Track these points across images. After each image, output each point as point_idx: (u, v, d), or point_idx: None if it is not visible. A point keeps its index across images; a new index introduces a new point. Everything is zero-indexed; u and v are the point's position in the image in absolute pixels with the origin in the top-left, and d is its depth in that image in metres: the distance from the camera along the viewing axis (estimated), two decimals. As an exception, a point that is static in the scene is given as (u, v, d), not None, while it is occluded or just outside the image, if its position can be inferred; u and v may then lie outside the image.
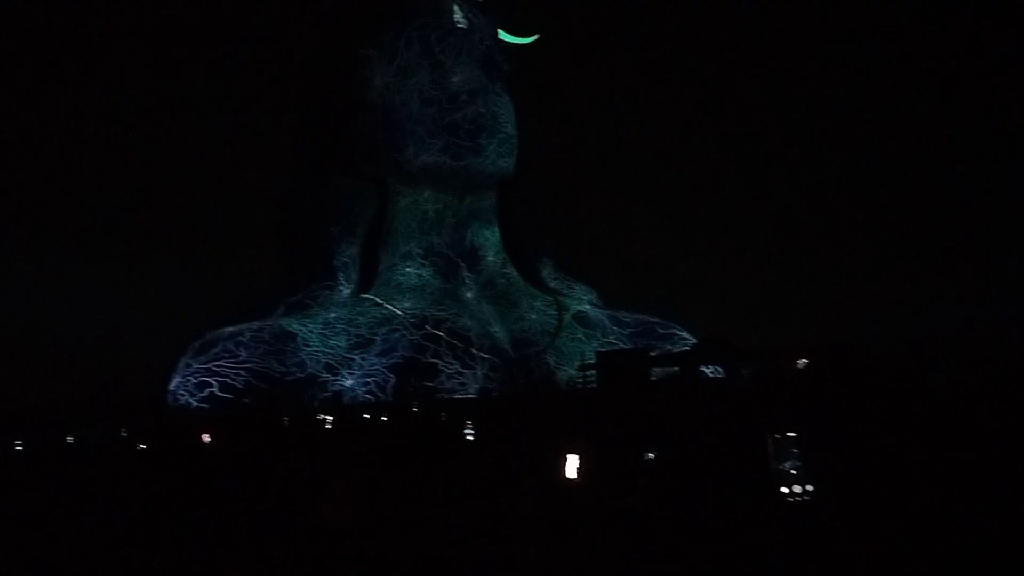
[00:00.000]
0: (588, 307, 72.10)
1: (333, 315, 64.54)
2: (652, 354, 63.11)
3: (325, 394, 60.20)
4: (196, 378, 59.40)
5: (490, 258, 71.36)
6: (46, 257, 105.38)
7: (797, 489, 19.44)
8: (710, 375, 63.70)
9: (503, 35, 71.26)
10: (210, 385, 58.96)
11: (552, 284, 72.81)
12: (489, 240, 71.53)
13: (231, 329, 61.80)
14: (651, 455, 24.23)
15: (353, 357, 62.56)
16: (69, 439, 50.22)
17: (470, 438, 40.04)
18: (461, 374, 62.17)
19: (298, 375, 60.59)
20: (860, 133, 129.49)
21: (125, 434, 48.98)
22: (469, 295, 69.36)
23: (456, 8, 67.79)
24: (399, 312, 65.23)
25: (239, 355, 59.98)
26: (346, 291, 66.58)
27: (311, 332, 62.84)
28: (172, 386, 59.66)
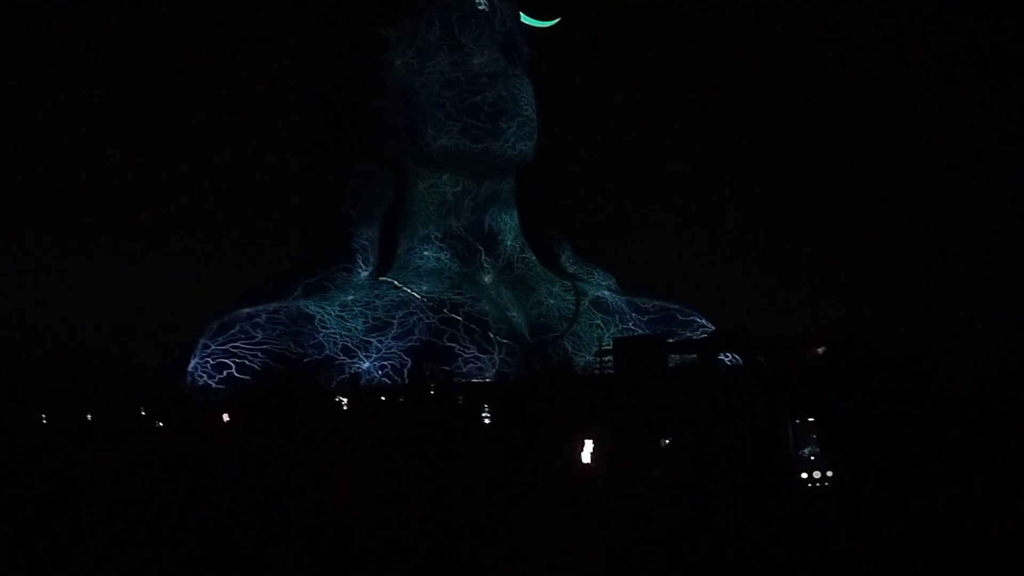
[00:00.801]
0: (607, 293, 71.93)
1: (351, 297, 64.63)
2: (670, 341, 62.93)
3: (342, 376, 60.36)
4: (214, 359, 59.64)
5: (508, 242, 71.24)
6: (70, 238, 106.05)
7: (816, 475, 19.41)
8: (728, 363, 63.54)
9: (525, 18, 71.02)
10: (228, 366, 59.20)
11: (570, 269, 72.66)
12: (508, 224, 71.39)
13: (248, 310, 61.99)
14: (667, 441, 24.19)
15: (370, 340, 62.67)
16: (88, 417, 50.68)
17: (487, 421, 40.13)
18: (478, 358, 62.27)
19: (315, 357, 60.74)
20: (877, 128, 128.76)
21: (144, 414, 49.39)
22: (487, 279, 69.29)
23: (478, -9, 67.56)
24: (417, 295, 65.29)
25: (256, 336, 60.18)
26: (364, 273, 66.62)
27: (328, 314, 62.96)
28: (190, 367, 59.94)
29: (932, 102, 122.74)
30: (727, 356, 63.62)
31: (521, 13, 70.56)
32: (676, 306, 70.91)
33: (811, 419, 20.01)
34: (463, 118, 65.98)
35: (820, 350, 51.54)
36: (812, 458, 19.62)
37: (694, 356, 60.72)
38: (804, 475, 19.54)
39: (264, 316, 61.32)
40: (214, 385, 58.61)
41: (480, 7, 67.35)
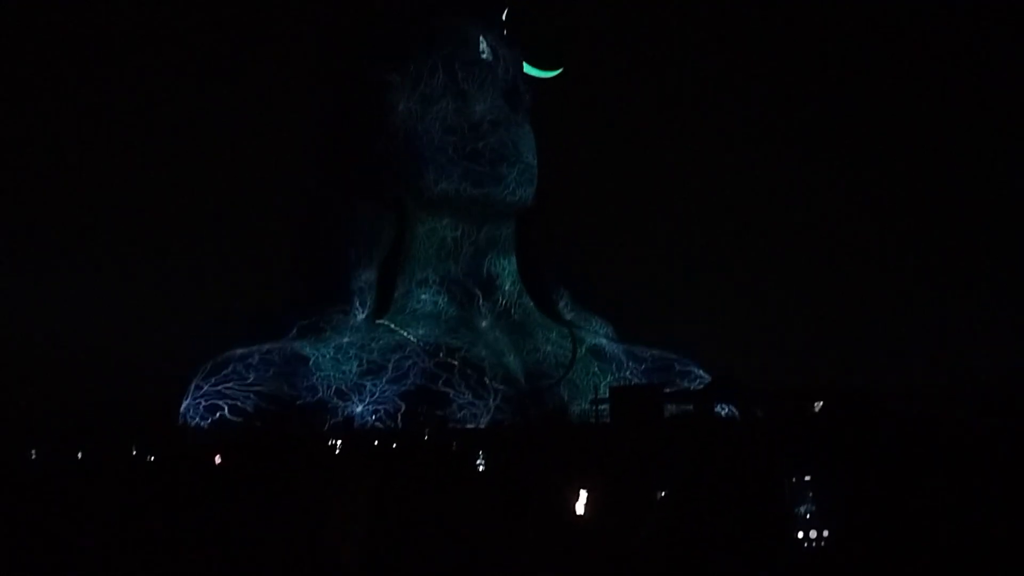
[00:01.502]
0: (604, 340, 71.77)
1: (346, 340, 64.43)
2: (666, 391, 62.75)
3: (335, 420, 60.02)
4: (206, 400, 59.37)
5: (507, 287, 71.20)
6: (60, 268, 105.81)
7: (813, 534, 19.16)
8: (724, 415, 63.30)
9: (528, 68, 71.50)
10: (220, 408, 58.92)
11: (568, 316, 72.58)
12: (506, 269, 71.40)
13: (242, 350, 61.79)
14: (662, 494, 23.94)
15: (364, 383, 62.40)
16: (79, 455, 50.34)
17: (481, 469, 39.84)
18: (473, 404, 61.98)
19: (308, 399, 60.46)
20: (877, 186, 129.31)
21: (135, 452, 49.07)
22: (484, 324, 69.17)
23: (481, 39, 68.09)
24: (412, 339, 65.12)
25: (248, 377, 59.95)
26: (361, 316, 66.51)
27: (323, 356, 62.74)
28: (182, 408, 59.67)
29: (931, 148, 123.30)
30: (723, 408, 63.40)
31: (524, 62, 71.02)
32: (674, 356, 70.78)
33: (807, 477, 19.81)
34: (464, 163, 66.24)
35: (817, 406, 51.36)
36: (808, 516, 19.40)
37: (690, 407, 60.53)
38: (800, 534, 19.32)
39: (257, 356, 61.10)
40: (206, 426, 58.29)
41: (483, 55, 67.86)
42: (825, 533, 19.43)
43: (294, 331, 64.77)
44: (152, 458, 51.08)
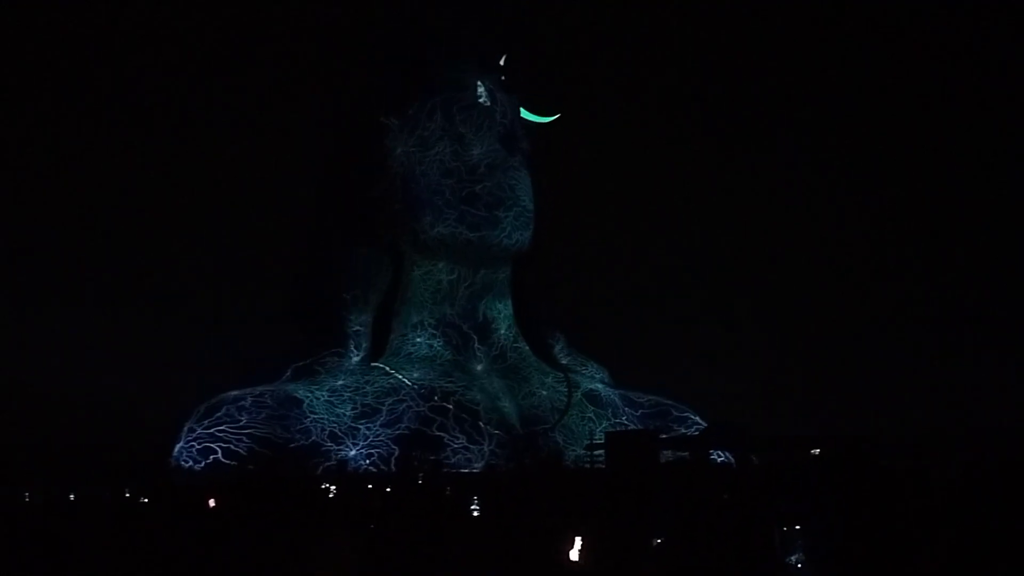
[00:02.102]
0: (600, 385, 71.60)
1: (340, 382, 64.26)
2: (662, 436, 62.51)
3: (329, 463, 59.66)
4: (199, 443, 59.05)
5: (502, 331, 71.18)
6: (56, 314, 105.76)
7: None
8: (719, 461, 63.06)
9: (524, 113, 71.97)
10: (213, 451, 58.59)
11: (564, 360, 72.42)
12: (502, 313, 71.41)
13: (236, 392, 61.59)
14: (658, 540, 23.85)
15: (358, 426, 62.10)
16: (71, 497, 50.10)
17: (476, 514, 39.65)
18: (468, 448, 61.68)
19: (302, 443, 60.13)
20: (871, 221, 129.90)
21: (128, 495, 48.83)
22: (479, 368, 69.06)
23: (479, 85, 68.62)
24: (407, 382, 64.97)
25: (240, 420, 59.66)
26: (356, 359, 66.40)
27: (317, 399, 62.53)
28: (175, 452, 59.34)
29: (927, 179, 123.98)
30: (719, 454, 63.18)
31: (521, 108, 71.50)
32: (670, 402, 70.58)
33: (798, 527, 19.82)
34: (461, 206, 66.49)
35: (814, 453, 51.27)
36: (799, 566, 19.39)
37: (686, 453, 60.30)
38: None
39: (249, 399, 60.83)
40: (198, 469, 57.91)
41: (481, 99, 68.35)
42: None
43: (288, 373, 64.63)
44: (145, 500, 50.79)
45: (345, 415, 62.44)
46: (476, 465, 61.03)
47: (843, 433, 61.52)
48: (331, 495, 49.59)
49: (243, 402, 60.54)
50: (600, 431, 65.62)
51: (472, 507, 40.12)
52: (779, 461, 52.33)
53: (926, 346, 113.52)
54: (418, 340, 68.95)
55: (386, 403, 63.32)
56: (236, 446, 58.55)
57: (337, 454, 60.51)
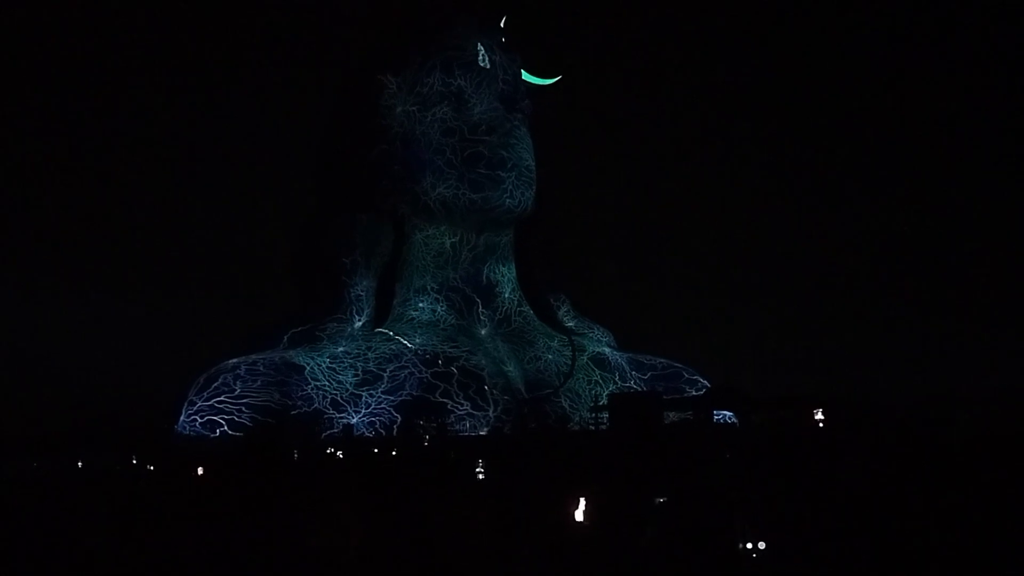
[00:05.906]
0: (607, 349, 71.38)
1: (341, 349, 63.91)
2: (664, 398, 62.54)
3: (333, 431, 59.59)
4: (201, 416, 59.01)
5: (506, 295, 70.90)
6: (66, 285, 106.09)
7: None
8: (723, 422, 63.16)
9: (526, 75, 71.43)
10: (216, 422, 58.50)
11: (569, 323, 72.05)
12: (506, 276, 71.05)
13: (234, 361, 61.41)
14: (661, 500, 23.96)
15: (360, 393, 61.74)
16: (79, 464, 50.43)
17: (481, 477, 39.83)
18: (472, 415, 61.48)
19: (304, 409, 59.98)
20: (882, 191, 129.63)
21: (135, 462, 49.13)
22: (484, 332, 68.85)
23: (480, 45, 68.04)
24: (410, 346, 64.50)
25: (237, 389, 59.46)
26: (358, 324, 66.12)
27: (319, 366, 62.24)
28: (178, 424, 59.39)
29: (942, 164, 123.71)
30: (722, 415, 63.27)
31: (523, 70, 70.95)
32: (681, 365, 70.38)
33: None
34: (462, 167, 66.09)
35: (818, 413, 51.37)
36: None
37: (689, 414, 60.44)
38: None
39: (244, 368, 60.48)
40: (200, 438, 57.86)
41: (481, 61, 67.80)
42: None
43: (285, 340, 64.44)
44: (151, 467, 51.10)
45: (347, 382, 62.14)
46: (481, 429, 60.90)
47: (847, 394, 61.68)
48: (336, 461, 49.73)
49: (238, 371, 60.22)
50: (606, 395, 65.55)
51: (477, 471, 40.29)
52: (784, 421, 52.50)
53: (930, 309, 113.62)
54: (421, 305, 68.59)
55: (388, 369, 62.97)
56: (239, 417, 58.37)
57: (339, 421, 60.28)
